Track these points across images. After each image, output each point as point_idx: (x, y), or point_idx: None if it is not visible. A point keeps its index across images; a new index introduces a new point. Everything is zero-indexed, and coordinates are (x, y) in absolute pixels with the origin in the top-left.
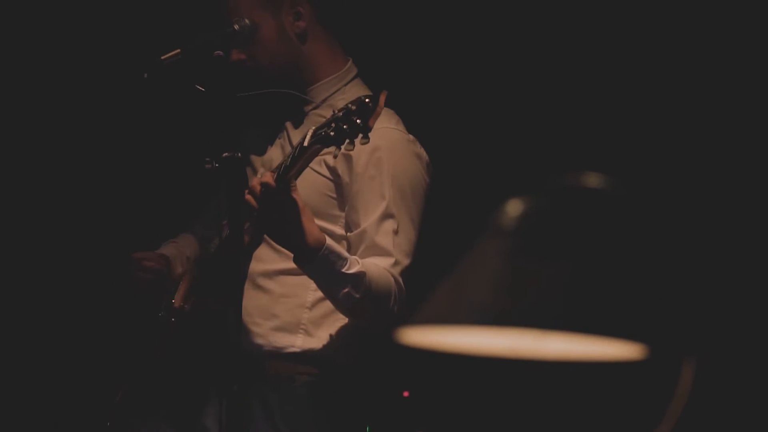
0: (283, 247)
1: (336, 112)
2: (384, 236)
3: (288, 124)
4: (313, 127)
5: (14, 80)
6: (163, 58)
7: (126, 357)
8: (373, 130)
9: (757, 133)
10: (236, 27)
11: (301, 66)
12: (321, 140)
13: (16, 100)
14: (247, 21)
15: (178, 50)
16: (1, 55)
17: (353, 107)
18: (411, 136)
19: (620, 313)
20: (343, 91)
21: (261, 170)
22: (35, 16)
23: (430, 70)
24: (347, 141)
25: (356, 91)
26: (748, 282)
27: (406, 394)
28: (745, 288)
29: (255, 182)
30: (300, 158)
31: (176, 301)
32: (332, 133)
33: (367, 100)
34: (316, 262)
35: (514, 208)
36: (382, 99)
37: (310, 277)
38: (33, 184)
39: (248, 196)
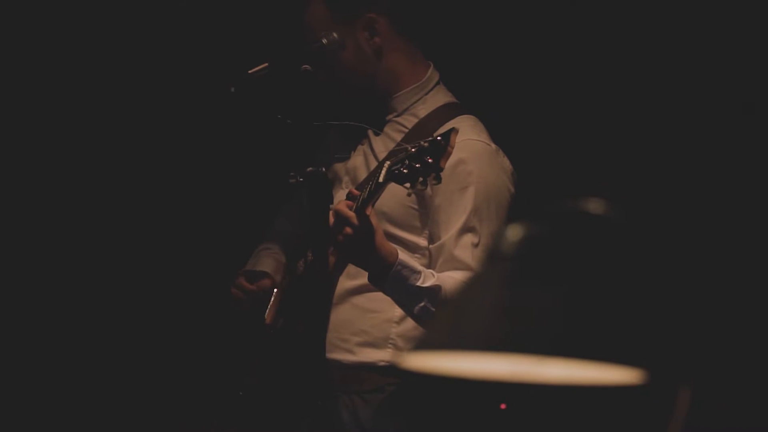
0: (357, 266)
1: (410, 148)
2: (463, 249)
3: (370, 132)
4: (389, 162)
5: (109, 92)
6: (250, 72)
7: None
8: (457, 142)
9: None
10: (324, 41)
11: (381, 80)
12: (395, 177)
13: (109, 111)
14: (335, 35)
15: (266, 64)
16: (91, 65)
17: (426, 144)
18: (495, 146)
19: (618, 338)
20: (424, 100)
21: (345, 179)
22: (128, 27)
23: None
24: (420, 180)
25: (438, 98)
26: (744, 309)
27: (503, 406)
28: (741, 315)
29: (338, 207)
30: (376, 192)
31: (267, 317)
32: (405, 171)
33: (439, 138)
34: (390, 279)
35: (513, 233)
36: (453, 138)
37: (387, 294)
38: (120, 193)
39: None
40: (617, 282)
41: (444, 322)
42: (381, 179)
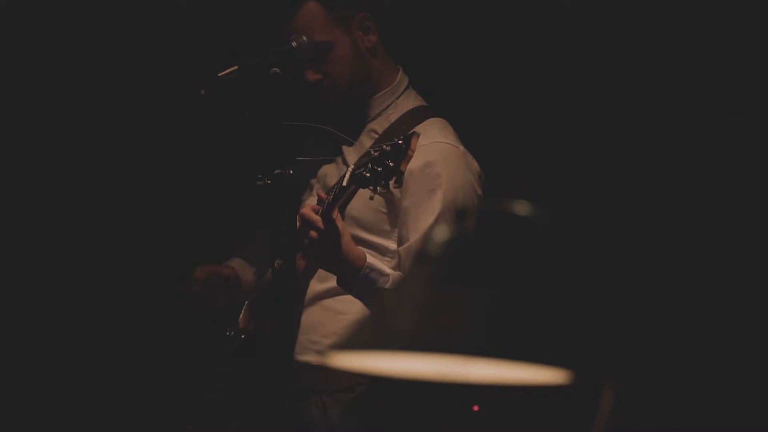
0: (326, 270)
1: (373, 152)
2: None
3: (344, 148)
4: (352, 167)
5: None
6: (220, 74)
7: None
8: (424, 144)
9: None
10: (294, 44)
11: (368, 80)
12: (358, 181)
13: (73, 112)
14: (304, 38)
15: (236, 67)
16: (58, 64)
17: (387, 148)
18: (462, 148)
19: (543, 339)
20: (395, 104)
21: (316, 186)
22: (95, 29)
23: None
24: (382, 183)
25: (407, 103)
26: (670, 305)
27: (476, 408)
28: (667, 311)
29: (303, 211)
30: (341, 196)
31: (241, 321)
32: (368, 175)
33: (400, 141)
34: (358, 282)
35: (439, 234)
36: (414, 142)
37: (355, 296)
38: (88, 195)
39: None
40: (542, 283)
41: (372, 322)
42: (345, 183)
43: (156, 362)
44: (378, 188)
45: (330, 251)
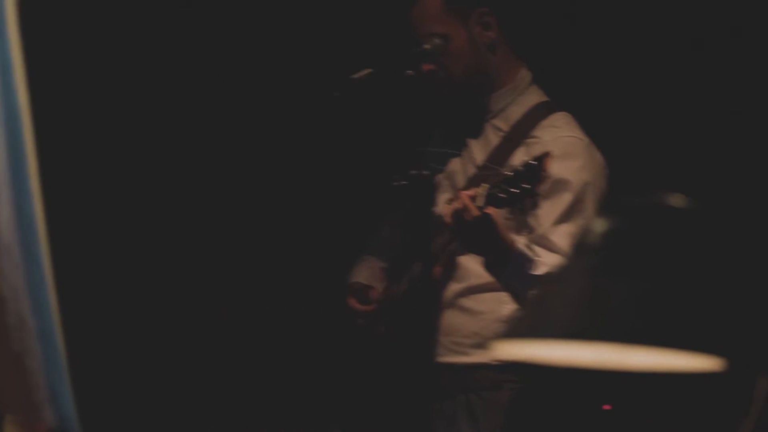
0: (476, 253)
1: (506, 173)
2: (561, 238)
3: (469, 135)
4: (487, 186)
5: (215, 94)
6: (354, 76)
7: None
8: (550, 140)
9: None
10: (427, 46)
11: (487, 76)
12: (492, 202)
13: (213, 114)
14: (437, 40)
15: (369, 69)
16: (197, 66)
17: (521, 169)
18: (588, 140)
19: (698, 328)
20: (518, 101)
21: (445, 182)
22: (237, 31)
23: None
24: (518, 205)
25: (531, 99)
26: None
27: (607, 407)
28: None
29: (462, 193)
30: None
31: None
32: (503, 196)
33: (534, 162)
34: (508, 267)
35: (598, 226)
36: (548, 163)
37: (501, 281)
38: (225, 193)
39: (447, 219)
40: (698, 273)
41: (531, 311)
42: (480, 203)
43: (303, 360)
44: (514, 210)
45: (484, 233)
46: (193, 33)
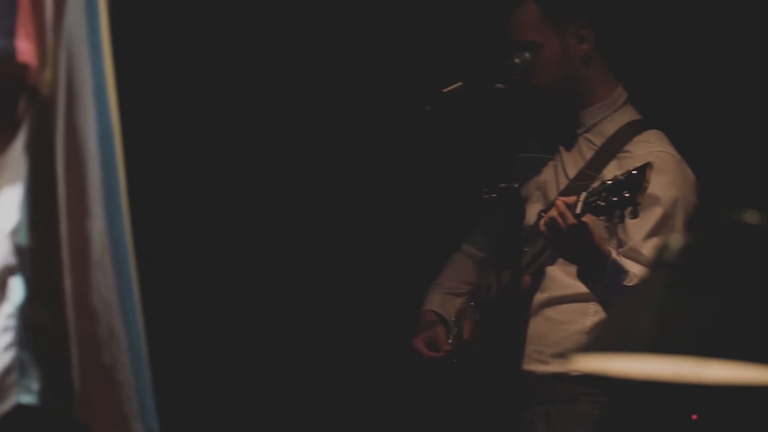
0: (571, 262)
1: (606, 181)
2: (651, 252)
3: (561, 147)
4: (585, 194)
5: (306, 106)
6: (445, 90)
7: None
8: (642, 154)
9: None
10: (516, 61)
11: (579, 89)
12: (591, 209)
13: (304, 127)
14: (527, 55)
15: (460, 83)
16: (294, 76)
17: (622, 178)
18: (679, 157)
19: None
20: (612, 117)
21: (536, 193)
22: (332, 47)
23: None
24: (616, 213)
25: (624, 117)
26: None
27: (694, 417)
28: None
29: (558, 200)
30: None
31: (465, 332)
32: (602, 204)
33: (635, 171)
34: (602, 277)
35: (676, 242)
36: (649, 173)
37: (593, 290)
38: (314, 205)
39: (543, 227)
40: None
41: (611, 325)
42: (578, 210)
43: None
44: (613, 218)
45: (579, 241)
46: (287, 44)
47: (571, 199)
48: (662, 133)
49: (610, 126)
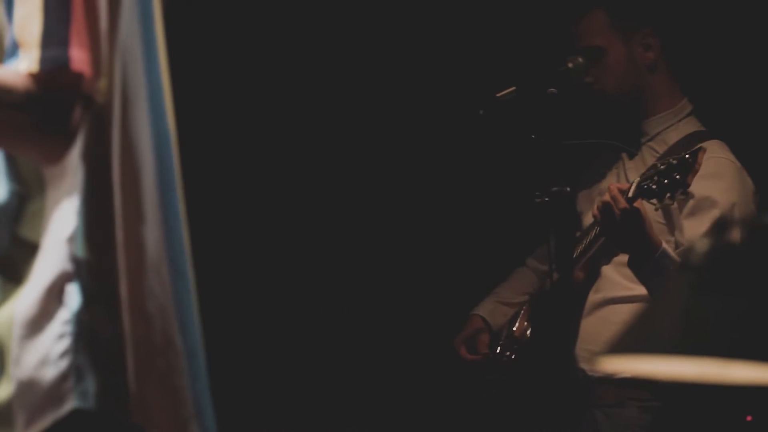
0: (620, 249)
1: (659, 165)
2: None
3: (624, 155)
4: (638, 179)
5: (364, 117)
6: (498, 95)
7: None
8: (707, 158)
9: None
10: (570, 65)
11: (643, 97)
12: (644, 193)
13: (361, 137)
14: (580, 59)
15: (514, 88)
16: (349, 87)
17: (674, 162)
18: (740, 165)
19: None
20: (676, 127)
21: (598, 199)
22: (384, 54)
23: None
24: (668, 195)
25: (689, 127)
26: None
27: (749, 418)
28: None
29: (613, 185)
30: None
31: (516, 330)
32: (654, 187)
33: (687, 155)
34: (651, 265)
35: (701, 245)
36: (701, 156)
37: (642, 279)
38: (369, 211)
39: (595, 211)
40: None
41: (635, 327)
42: (630, 194)
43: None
44: (664, 200)
45: (631, 226)
46: (341, 47)
47: (624, 185)
48: (724, 143)
49: (674, 135)
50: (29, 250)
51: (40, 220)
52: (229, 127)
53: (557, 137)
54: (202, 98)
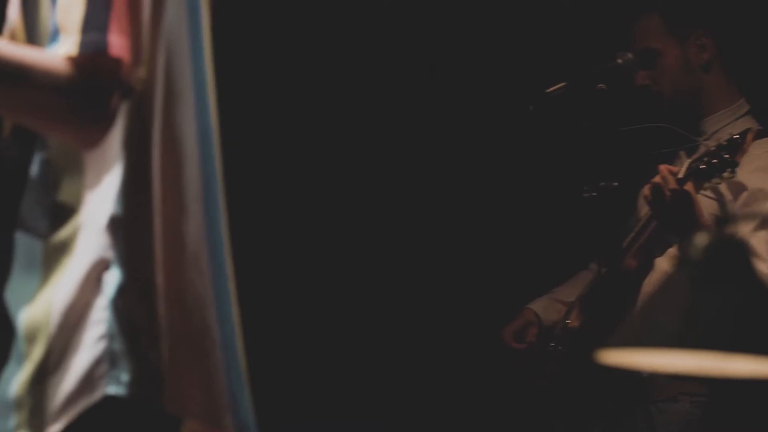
0: (671, 232)
1: (710, 147)
2: (758, 242)
3: (682, 153)
4: (689, 160)
5: (414, 112)
6: (548, 90)
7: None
8: (759, 152)
9: None
10: (619, 61)
11: (700, 96)
12: (694, 173)
13: (413, 133)
14: (629, 55)
15: (563, 83)
16: (396, 81)
17: (724, 143)
18: None
19: None
20: (733, 125)
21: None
22: (436, 50)
23: None
24: (717, 174)
25: (746, 125)
26: None
27: None
28: None
29: (663, 166)
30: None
31: (571, 321)
32: (703, 167)
33: (736, 136)
34: None
35: (701, 239)
36: (750, 137)
37: None
38: (420, 210)
39: (646, 192)
40: None
41: (637, 320)
42: (681, 175)
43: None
44: (712, 180)
45: (681, 208)
46: (389, 40)
47: (675, 168)
48: None
49: (731, 132)
50: (68, 213)
51: (77, 191)
52: (268, 122)
53: (611, 127)
54: (239, 91)
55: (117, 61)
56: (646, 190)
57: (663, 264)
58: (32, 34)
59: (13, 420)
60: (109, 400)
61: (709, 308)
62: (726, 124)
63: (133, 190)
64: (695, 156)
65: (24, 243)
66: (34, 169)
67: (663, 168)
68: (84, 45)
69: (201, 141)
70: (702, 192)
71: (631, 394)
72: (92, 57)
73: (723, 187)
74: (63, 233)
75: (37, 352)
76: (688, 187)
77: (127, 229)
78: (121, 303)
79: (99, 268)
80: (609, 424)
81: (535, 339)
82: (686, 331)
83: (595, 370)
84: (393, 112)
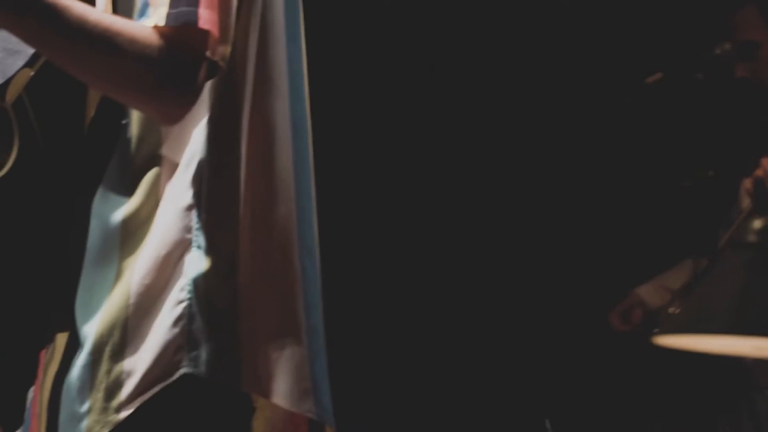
0: None
1: None
2: None
3: None
4: None
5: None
6: (647, 81)
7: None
8: None
9: None
10: (717, 51)
11: None
12: None
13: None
14: (727, 46)
15: (660, 73)
16: (485, 79)
17: None
18: None
19: None
20: None
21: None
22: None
23: None
24: None
25: None
26: None
27: None
28: None
29: (757, 171)
30: None
31: (674, 309)
32: None
33: None
34: None
35: (757, 224)
36: None
37: None
38: (512, 196)
39: (747, 184)
40: None
41: (692, 305)
42: None
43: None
44: None
45: None
46: (482, 37)
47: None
48: None
49: None
50: (146, 190)
51: (155, 168)
52: (360, 114)
53: (703, 122)
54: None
55: (205, 35)
56: (747, 182)
57: None
58: (122, 8)
59: (88, 403)
60: (186, 379)
61: (764, 292)
62: None
63: (218, 173)
64: None
65: (101, 222)
66: (116, 147)
67: (765, 161)
68: (173, 16)
69: (295, 128)
70: None
71: (735, 382)
72: (180, 29)
73: None
74: (141, 212)
75: (115, 333)
76: None
77: (211, 211)
78: (201, 285)
79: (180, 249)
80: (710, 414)
81: (640, 322)
82: (741, 315)
83: (697, 359)
84: (490, 104)
